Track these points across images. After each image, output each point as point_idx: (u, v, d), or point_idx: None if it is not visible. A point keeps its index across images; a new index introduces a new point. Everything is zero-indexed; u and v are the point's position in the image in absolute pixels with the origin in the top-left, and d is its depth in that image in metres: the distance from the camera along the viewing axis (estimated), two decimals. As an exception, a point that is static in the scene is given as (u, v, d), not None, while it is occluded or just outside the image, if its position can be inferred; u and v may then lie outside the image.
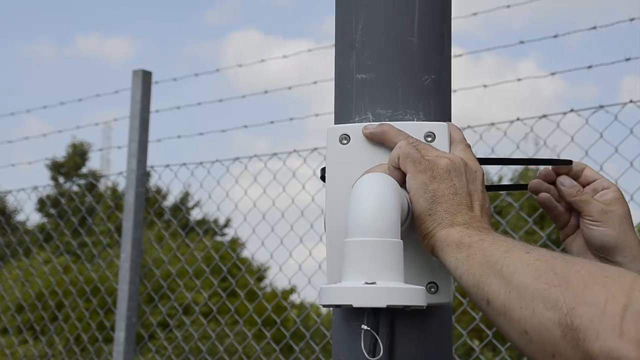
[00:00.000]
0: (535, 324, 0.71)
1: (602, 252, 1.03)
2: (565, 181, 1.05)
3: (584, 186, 1.06)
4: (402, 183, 0.92)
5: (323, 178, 1.02)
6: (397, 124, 0.96)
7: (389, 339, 0.87)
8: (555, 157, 2.89)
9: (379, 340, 0.82)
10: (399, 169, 0.92)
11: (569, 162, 1.07)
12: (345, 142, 0.99)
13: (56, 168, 16.90)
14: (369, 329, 0.81)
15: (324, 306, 0.84)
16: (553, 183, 1.07)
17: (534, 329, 0.71)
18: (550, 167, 1.08)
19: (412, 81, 0.99)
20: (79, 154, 16.71)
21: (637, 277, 0.67)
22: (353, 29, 1.02)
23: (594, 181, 1.06)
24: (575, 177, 1.07)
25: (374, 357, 0.81)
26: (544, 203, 1.08)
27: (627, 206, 1.03)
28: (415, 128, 0.97)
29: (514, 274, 0.76)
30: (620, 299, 0.65)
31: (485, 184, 0.95)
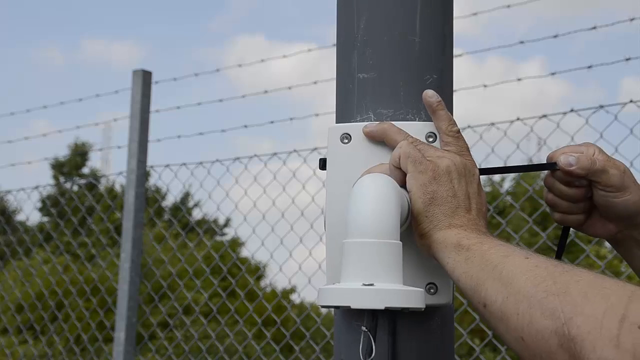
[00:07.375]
0: (532, 332, 0.71)
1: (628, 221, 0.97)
2: (571, 160, 0.95)
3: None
4: (403, 183, 0.91)
5: (323, 167, 1.01)
6: (399, 124, 0.96)
7: (392, 337, 0.87)
8: None
9: (373, 342, 0.81)
10: (399, 168, 0.92)
11: (554, 164, 0.99)
12: (347, 141, 0.98)
13: (58, 167, 16.94)
14: (366, 330, 0.81)
15: (323, 307, 0.84)
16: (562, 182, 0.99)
17: (530, 337, 0.71)
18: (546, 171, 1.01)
19: (413, 81, 0.99)
20: (79, 153, 16.73)
21: (636, 289, 0.67)
22: (355, 28, 1.01)
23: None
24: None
25: (370, 357, 0.81)
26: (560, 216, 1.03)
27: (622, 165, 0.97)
28: (417, 128, 0.96)
29: (513, 279, 0.75)
30: (618, 311, 0.65)
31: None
